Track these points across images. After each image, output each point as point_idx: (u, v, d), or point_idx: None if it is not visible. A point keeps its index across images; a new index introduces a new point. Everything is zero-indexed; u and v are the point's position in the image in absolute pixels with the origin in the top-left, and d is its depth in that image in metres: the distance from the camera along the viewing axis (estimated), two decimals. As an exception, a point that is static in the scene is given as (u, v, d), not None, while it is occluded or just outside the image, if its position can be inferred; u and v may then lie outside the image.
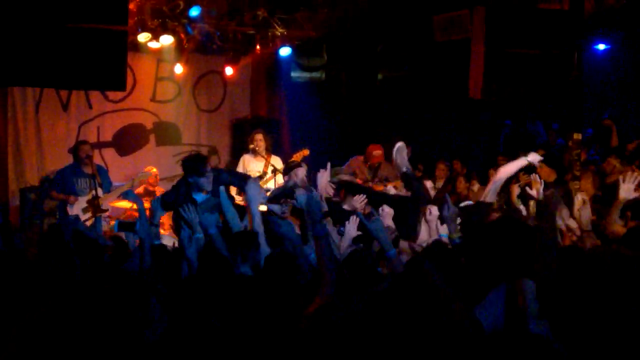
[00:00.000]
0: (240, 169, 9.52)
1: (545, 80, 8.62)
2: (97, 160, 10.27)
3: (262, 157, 9.36)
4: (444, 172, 10.72)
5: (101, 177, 8.89)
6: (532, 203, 8.09)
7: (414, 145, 11.80)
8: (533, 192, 6.50)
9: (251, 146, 9.43)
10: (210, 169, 7.03)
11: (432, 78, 11.89)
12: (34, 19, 7.39)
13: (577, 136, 8.70)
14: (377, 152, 9.60)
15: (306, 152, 9.35)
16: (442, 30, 10.19)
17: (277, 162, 9.43)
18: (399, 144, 7.01)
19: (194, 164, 6.98)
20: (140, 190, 9.78)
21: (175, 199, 6.85)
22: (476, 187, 9.98)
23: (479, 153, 12.15)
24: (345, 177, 7.41)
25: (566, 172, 9.24)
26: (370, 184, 9.47)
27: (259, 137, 9.35)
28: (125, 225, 5.91)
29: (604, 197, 8.29)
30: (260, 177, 9.35)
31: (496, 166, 10.48)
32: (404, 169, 6.84)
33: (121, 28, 7.76)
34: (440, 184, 10.30)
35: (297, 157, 9.44)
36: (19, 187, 10.71)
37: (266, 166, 9.46)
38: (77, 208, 8.71)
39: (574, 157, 8.57)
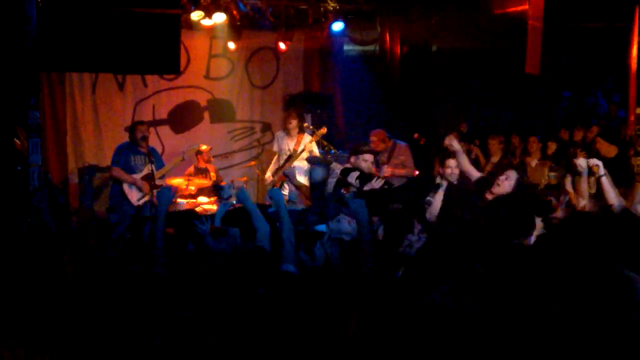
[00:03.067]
0: (274, 145, 9.99)
1: (606, 54, 8.35)
2: (152, 137, 10.39)
3: (295, 135, 9.69)
4: (497, 147, 10.38)
5: (154, 157, 8.99)
6: (591, 180, 7.92)
7: (470, 119, 11.69)
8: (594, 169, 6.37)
9: (290, 124, 9.64)
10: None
11: (488, 51, 11.64)
12: (89, 5, 7.47)
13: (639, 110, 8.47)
14: (372, 138, 9.01)
15: (324, 130, 9.27)
16: (499, 1, 9.97)
17: (308, 140, 9.48)
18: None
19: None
20: (190, 169, 9.90)
21: None
22: (534, 162, 9.79)
23: (538, 127, 11.88)
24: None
25: (626, 147, 9.00)
26: (386, 166, 9.19)
27: (294, 122, 9.69)
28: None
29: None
30: (290, 156, 9.42)
31: (554, 139, 10.27)
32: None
33: (174, 11, 7.79)
34: (495, 159, 10.08)
35: (317, 136, 9.36)
36: (77, 166, 10.88)
37: (297, 144, 9.53)
38: (135, 190, 8.82)
39: (635, 133, 8.34)
